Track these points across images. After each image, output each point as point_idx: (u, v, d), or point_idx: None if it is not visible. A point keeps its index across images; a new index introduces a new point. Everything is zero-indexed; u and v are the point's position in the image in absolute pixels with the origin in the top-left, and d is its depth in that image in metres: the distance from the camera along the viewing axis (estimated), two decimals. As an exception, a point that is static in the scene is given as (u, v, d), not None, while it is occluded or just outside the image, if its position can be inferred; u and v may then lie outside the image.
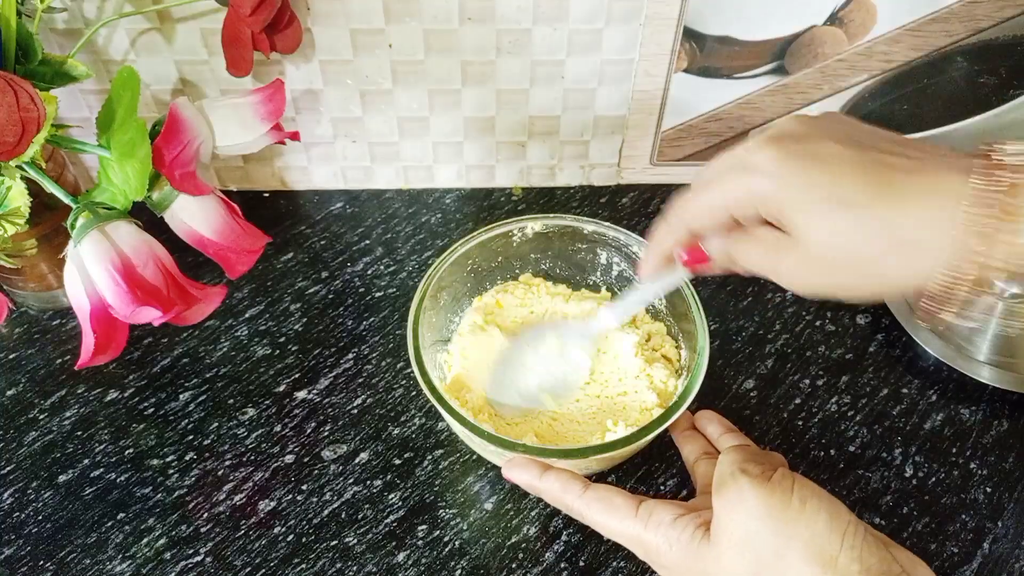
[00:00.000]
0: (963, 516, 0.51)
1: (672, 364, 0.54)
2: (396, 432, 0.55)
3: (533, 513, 0.51)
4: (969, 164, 0.30)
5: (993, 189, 0.29)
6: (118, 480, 0.52)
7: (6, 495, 0.51)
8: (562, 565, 0.49)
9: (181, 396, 0.56)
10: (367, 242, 0.67)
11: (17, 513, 0.50)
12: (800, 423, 0.55)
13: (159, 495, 0.51)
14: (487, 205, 0.70)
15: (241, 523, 0.50)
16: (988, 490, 0.52)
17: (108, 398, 0.56)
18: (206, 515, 0.50)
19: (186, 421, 0.55)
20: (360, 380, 0.57)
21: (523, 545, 0.49)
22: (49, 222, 0.54)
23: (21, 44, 0.45)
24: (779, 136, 0.35)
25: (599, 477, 0.52)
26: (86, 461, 0.53)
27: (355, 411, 0.56)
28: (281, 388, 0.57)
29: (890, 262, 0.32)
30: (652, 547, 0.39)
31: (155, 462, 0.53)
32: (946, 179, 0.31)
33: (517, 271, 0.58)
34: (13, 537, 0.49)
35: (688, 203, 0.38)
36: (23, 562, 0.48)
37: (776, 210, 0.34)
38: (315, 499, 0.51)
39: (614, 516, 0.40)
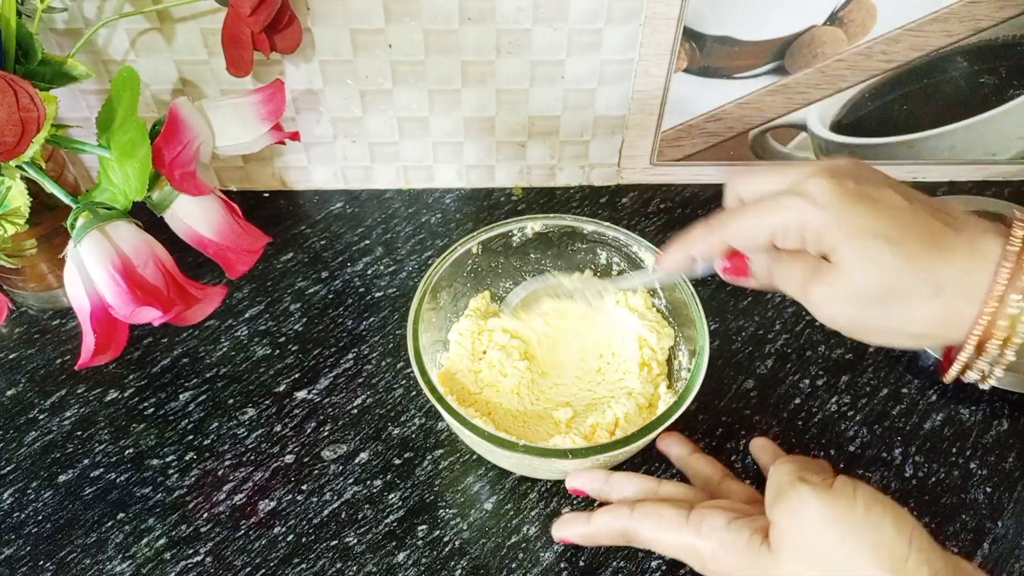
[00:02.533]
0: (963, 516, 0.51)
1: (662, 365, 0.54)
2: (396, 432, 0.55)
3: (533, 513, 0.51)
4: (1006, 230, 0.34)
5: None
6: (118, 480, 0.52)
7: (6, 495, 0.51)
8: (562, 565, 0.49)
9: (181, 396, 0.56)
10: (367, 242, 0.67)
11: (17, 513, 0.50)
12: (800, 423, 0.55)
13: (159, 495, 0.51)
14: (487, 205, 0.70)
15: (241, 523, 0.50)
16: (988, 490, 0.52)
17: (108, 398, 0.56)
18: (206, 515, 0.50)
19: (186, 421, 0.55)
20: (360, 380, 0.57)
21: (523, 545, 0.49)
22: (49, 222, 0.54)
23: (21, 44, 0.45)
24: (836, 172, 0.36)
25: (599, 477, 0.52)
26: (86, 461, 0.53)
27: (355, 411, 0.56)
28: (281, 388, 0.57)
29: (925, 308, 0.35)
30: (707, 554, 0.38)
31: (155, 462, 0.53)
32: (985, 239, 0.34)
33: (517, 271, 0.58)
34: (13, 537, 0.49)
35: (734, 219, 0.38)
36: (23, 562, 0.48)
37: (824, 239, 0.35)
38: (315, 499, 0.51)
39: (666, 529, 0.40)
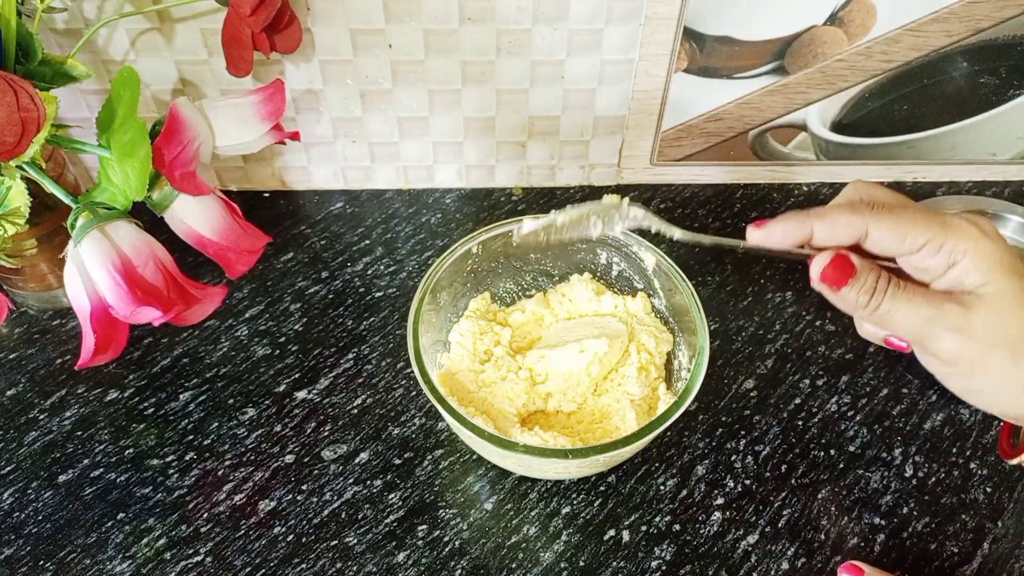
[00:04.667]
0: (963, 516, 0.51)
1: (660, 369, 0.54)
2: (396, 432, 0.55)
3: (533, 513, 0.51)
4: None
5: None
6: (118, 480, 0.52)
7: (6, 495, 0.51)
8: (562, 565, 0.49)
9: (181, 396, 0.56)
10: (367, 242, 0.67)
11: (17, 513, 0.50)
12: (800, 423, 0.55)
13: (159, 495, 0.51)
14: (487, 205, 0.70)
15: (241, 523, 0.50)
16: (988, 490, 0.52)
17: (108, 398, 0.56)
18: (206, 515, 0.50)
19: (186, 421, 0.55)
20: (360, 380, 0.57)
21: (523, 545, 0.49)
22: (49, 222, 0.54)
23: (21, 44, 0.45)
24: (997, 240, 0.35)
25: (599, 477, 0.52)
26: (86, 461, 0.53)
27: (355, 411, 0.56)
28: (281, 388, 0.57)
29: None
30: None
31: (155, 462, 0.53)
32: None
33: (517, 271, 0.58)
34: (13, 537, 0.49)
35: (878, 217, 0.35)
36: (23, 562, 0.48)
37: (973, 262, 0.34)
38: (315, 499, 0.51)
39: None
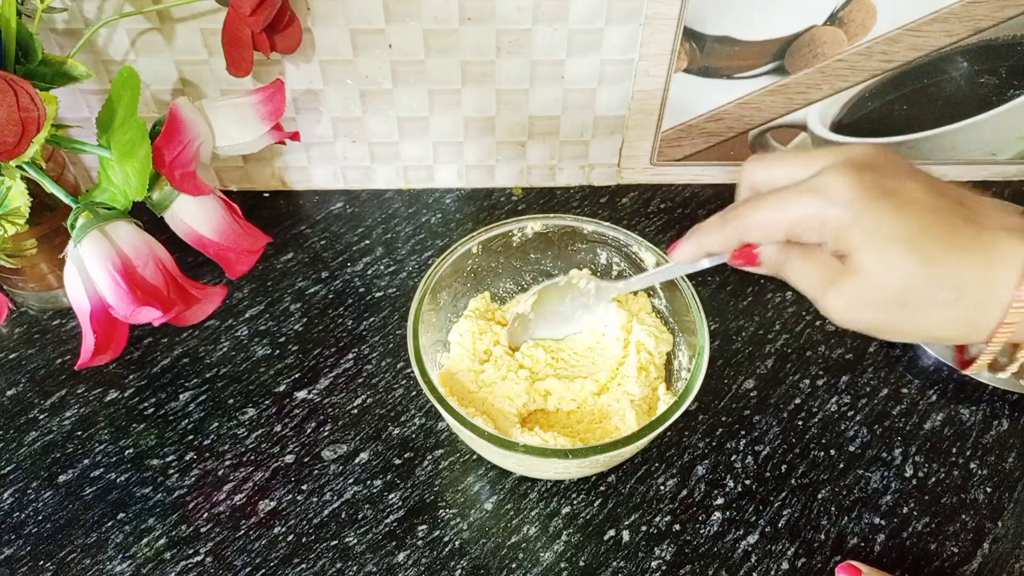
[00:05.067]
0: (963, 516, 0.51)
1: (660, 369, 0.54)
2: (396, 432, 0.55)
3: (533, 513, 0.51)
4: None
5: None
6: (118, 480, 0.52)
7: (6, 495, 0.51)
8: (562, 565, 0.49)
9: (181, 396, 0.56)
10: (367, 242, 0.67)
11: (17, 513, 0.50)
12: (800, 423, 0.55)
13: (159, 495, 0.51)
14: (487, 205, 0.70)
15: (241, 523, 0.50)
16: (988, 490, 0.52)
17: (108, 398, 0.56)
18: (206, 515, 0.50)
19: (186, 421, 0.55)
20: (360, 380, 0.57)
21: (523, 545, 0.49)
22: (49, 222, 0.54)
23: (21, 44, 0.45)
24: (856, 164, 0.34)
25: (599, 477, 0.52)
26: (86, 461, 0.53)
27: (355, 411, 0.56)
28: (281, 388, 0.57)
29: (944, 313, 0.33)
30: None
31: (155, 462, 0.53)
32: (1009, 243, 0.32)
33: (517, 271, 0.58)
34: (13, 537, 0.49)
35: (751, 214, 0.37)
36: (23, 562, 0.48)
37: (842, 238, 0.34)
38: (315, 499, 0.51)
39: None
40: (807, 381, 0.58)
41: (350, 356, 0.59)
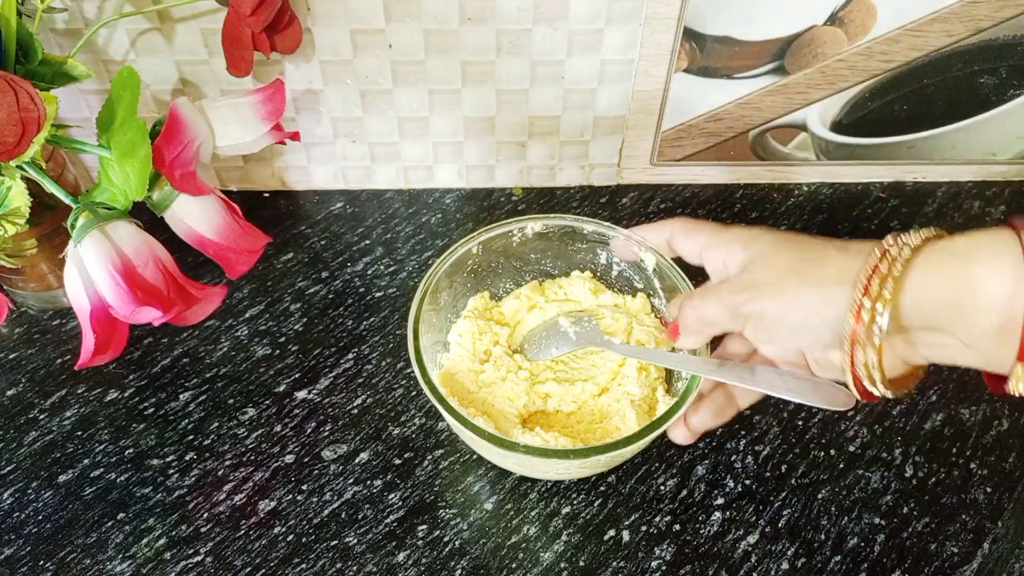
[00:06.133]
0: (963, 516, 0.51)
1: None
2: (396, 432, 0.55)
3: (533, 513, 0.51)
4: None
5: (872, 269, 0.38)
6: (118, 480, 0.52)
7: (6, 495, 0.51)
8: (562, 565, 0.49)
9: (181, 396, 0.56)
10: (367, 242, 0.67)
11: (17, 513, 0.50)
12: (800, 423, 0.55)
13: (159, 495, 0.51)
14: (487, 205, 0.70)
15: (241, 523, 0.50)
16: (988, 490, 0.52)
17: (108, 398, 0.56)
18: (206, 515, 0.50)
19: (186, 421, 0.55)
20: (360, 380, 0.57)
21: (523, 545, 0.49)
22: (49, 222, 0.54)
23: (21, 44, 0.45)
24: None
25: (599, 477, 0.52)
26: (86, 461, 0.53)
27: (355, 411, 0.56)
28: (281, 388, 0.57)
29: (816, 319, 0.40)
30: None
31: (155, 462, 0.53)
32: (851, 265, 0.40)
33: (517, 271, 0.58)
34: (13, 537, 0.49)
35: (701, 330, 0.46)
36: (23, 562, 0.48)
37: (727, 254, 0.45)
38: (315, 499, 0.51)
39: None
40: (807, 381, 0.57)
41: (350, 356, 0.59)
